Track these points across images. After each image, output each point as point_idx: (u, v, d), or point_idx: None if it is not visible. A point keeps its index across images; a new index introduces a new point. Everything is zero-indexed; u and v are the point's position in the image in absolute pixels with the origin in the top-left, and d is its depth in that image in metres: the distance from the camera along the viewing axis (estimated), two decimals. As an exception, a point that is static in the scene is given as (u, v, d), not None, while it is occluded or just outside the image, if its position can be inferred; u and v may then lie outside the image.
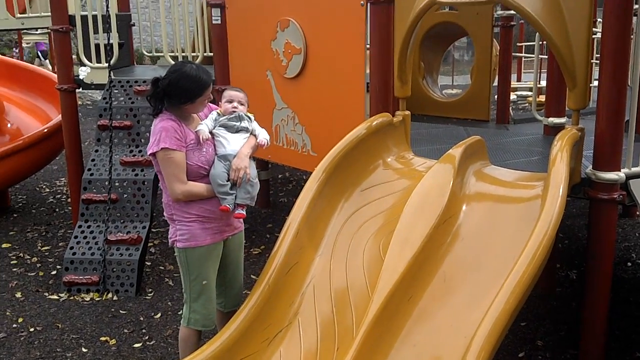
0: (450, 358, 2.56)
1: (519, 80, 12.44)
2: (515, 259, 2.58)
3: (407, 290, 2.83)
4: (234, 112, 3.17)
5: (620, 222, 5.91)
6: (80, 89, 5.82)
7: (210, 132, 3.12)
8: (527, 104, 11.25)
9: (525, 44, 12.62)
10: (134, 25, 6.79)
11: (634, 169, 3.29)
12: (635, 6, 3.27)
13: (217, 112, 3.20)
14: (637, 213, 6.08)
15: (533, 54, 5.46)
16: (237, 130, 3.15)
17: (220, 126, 3.14)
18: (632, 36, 3.28)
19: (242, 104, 3.22)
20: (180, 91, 2.97)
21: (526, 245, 2.58)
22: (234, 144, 3.11)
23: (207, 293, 3.12)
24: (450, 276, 2.88)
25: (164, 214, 3.14)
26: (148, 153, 3.02)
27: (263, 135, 3.21)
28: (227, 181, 3.04)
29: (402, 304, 2.81)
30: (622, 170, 3.21)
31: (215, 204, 3.04)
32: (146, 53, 7.07)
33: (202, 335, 3.22)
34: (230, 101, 3.19)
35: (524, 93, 11.56)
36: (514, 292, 2.47)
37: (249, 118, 3.22)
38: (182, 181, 2.97)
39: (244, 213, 3.11)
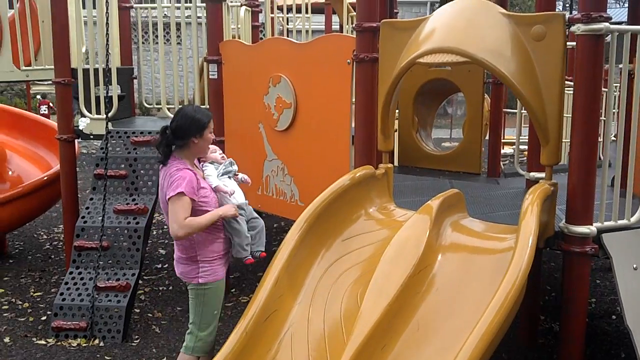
0: (420, 406, 2.61)
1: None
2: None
3: (381, 339, 2.89)
4: (224, 159, 3.52)
5: (608, 276, 5.95)
6: (80, 139, 5.98)
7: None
8: (524, 158, 11.41)
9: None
10: (135, 78, 7.01)
11: (607, 223, 3.37)
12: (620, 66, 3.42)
13: (210, 163, 3.50)
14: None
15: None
16: (234, 174, 3.53)
17: (223, 173, 3.47)
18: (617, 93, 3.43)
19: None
20: (191, 127, 3.34)
21: (494, 295, 2.66)
22: (238, 192, 3.51)
23: (215, 322, 3.48)
24: (424, 325, 2.95)
25: (181, 255, 3.43)
26: (167, 198, 3.28)
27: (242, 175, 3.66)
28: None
29: (376, 352, 2.86)
30: (594, 224, 3.30)
31: (228, 242, 3.49)
32: (146, 104, 7.25)
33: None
34: (215, 150, 3.48)
35: (521, 147, 11.73)
36: (482, 340, 2.53)
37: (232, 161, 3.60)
38: (182, 220, 3.26)
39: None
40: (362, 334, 2.84)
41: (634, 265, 3.30)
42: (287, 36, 8.77)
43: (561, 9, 22.94)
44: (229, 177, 3.54)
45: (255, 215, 3.61)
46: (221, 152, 3.59)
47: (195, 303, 3.44)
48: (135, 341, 4.61)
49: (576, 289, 3.29)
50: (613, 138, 5.52)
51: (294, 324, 3.16)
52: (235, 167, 3.58)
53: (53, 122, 7.79)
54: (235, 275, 5.86)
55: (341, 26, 8.42)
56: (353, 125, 4.20)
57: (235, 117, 5.36)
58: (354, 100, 4.17)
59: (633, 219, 3.41)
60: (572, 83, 3.41)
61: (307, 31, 8.13)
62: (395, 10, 6.93)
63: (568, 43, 3.33)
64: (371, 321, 2.88)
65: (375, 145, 4.00)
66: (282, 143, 4.80)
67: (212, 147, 3.53)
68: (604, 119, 4.53)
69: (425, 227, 3.22)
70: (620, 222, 3.39)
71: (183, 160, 3.36)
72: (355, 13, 5.35)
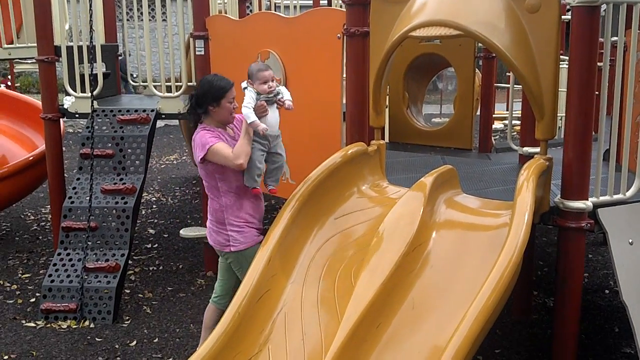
0: (416, 384, 2.58)
1: (508, 109, 12.54)
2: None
3: (376, 318, 2.85)
4: (271, 91, 3.48)
5: (601, 250, 5.96)
6: (65, 118, 5.87)
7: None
8: (515, 133, 11.40)
9: (513, 74, 12.71)
10: (121, 56, 6.87)
11: (602, 198, 3.34)
12: (615, 38, 3.34)
13: (254, 91, 3.44)
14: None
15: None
16: (272, 103, 3.50)
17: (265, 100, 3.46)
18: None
19: (273, 80, 3.53)
20: (207, 95, 3.44)
21: (490, 273, 2.62)
22: (274, 122, 3.50)
23: None
24: (419, 303, 2.91)
25: (212, 220, 3.53)
26: (199, 161, 3.41)
27: (286, 97, 3.58)
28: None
29: (371, 331, 2.83)
30: (590, 199, 3.27)
31: (256, 209, 3.56)
32: (132, 82, 7.13)
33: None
34: (265, 82, 3.45)
35: (513, 122, 11.66)
36: (477, 319, 2.50)
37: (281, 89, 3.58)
38: (232, 154, 3.36)
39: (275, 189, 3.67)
40: (356, 313, 2.80)
41: (630, 240, 3.27)
42: (275, 11, 8.61)
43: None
44: (271, 104, 3.51)
45: (280, 151, 3.64)
46: (273, 84, 3.49)
47: (240, 269, 3.50)
48: (126, 322, 4.56)
49: (571, 265, 3.26)
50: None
51: (287, 304, 3.12)
52: (283, 94, 3.55)
53: (38, 101, 7.66)
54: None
55: (329, 1, 8.28)
56: (344, 101, 4.13)
57: (224, 94, 5.26)
58: (344, 75, 4.09)
59: (628, 194, 3.38)
60: (566, 58, 3.34)
61: (295, 6, 7.99)
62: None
63: (563, 17, 3.26)
64: (365, 300, 2.83)
65: (367, 121, 3.93)
66: (272, 120, 4.71)
67: (267, 74, 3.45)
68: (598, 92, 4.48)
69: (419, 204, 3.17)
70: (615, 196, 3.36)
71: (210, 126, 3.48)
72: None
